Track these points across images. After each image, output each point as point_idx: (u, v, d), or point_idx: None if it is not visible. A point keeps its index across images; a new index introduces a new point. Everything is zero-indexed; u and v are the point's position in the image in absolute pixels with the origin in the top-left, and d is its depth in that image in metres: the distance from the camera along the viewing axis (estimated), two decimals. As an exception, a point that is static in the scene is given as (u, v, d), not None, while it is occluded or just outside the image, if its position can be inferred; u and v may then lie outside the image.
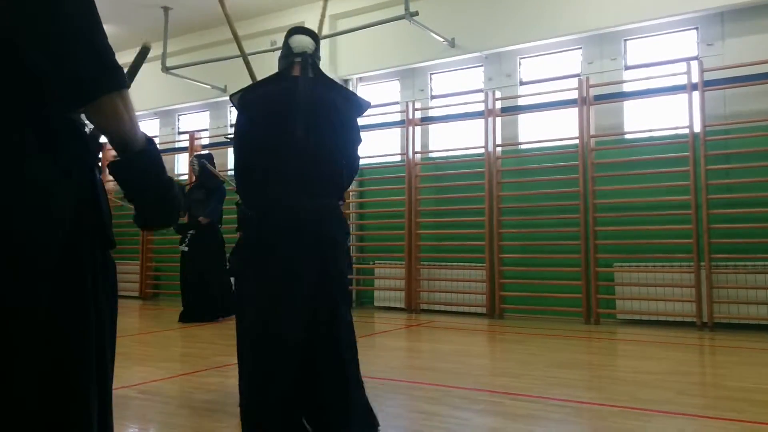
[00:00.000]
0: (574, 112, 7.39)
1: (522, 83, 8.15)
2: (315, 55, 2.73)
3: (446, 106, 8.59)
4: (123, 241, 11.09)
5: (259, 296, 2.51)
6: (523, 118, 8.08)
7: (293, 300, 2.48)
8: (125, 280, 10.68)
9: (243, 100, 2.68)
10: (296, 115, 2.53)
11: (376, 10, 8.50)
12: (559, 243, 7.41)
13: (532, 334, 6.45)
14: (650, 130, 7.12)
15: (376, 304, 8.62)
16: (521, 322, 7.28)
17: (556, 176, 7.46)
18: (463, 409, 3.49)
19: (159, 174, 1.32)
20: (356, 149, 2.76)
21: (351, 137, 2.71)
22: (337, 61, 9.06)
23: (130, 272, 10.78)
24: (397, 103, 8.94)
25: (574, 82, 7.45)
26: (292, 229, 2.50)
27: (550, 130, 7.78)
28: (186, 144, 10.65)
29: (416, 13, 7.38)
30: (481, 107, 8.01)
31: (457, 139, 8.44)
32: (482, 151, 7.94)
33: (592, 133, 7.27)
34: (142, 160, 1.29)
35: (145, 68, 7.92)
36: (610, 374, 4.57)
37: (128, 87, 1.26)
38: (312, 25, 9.08)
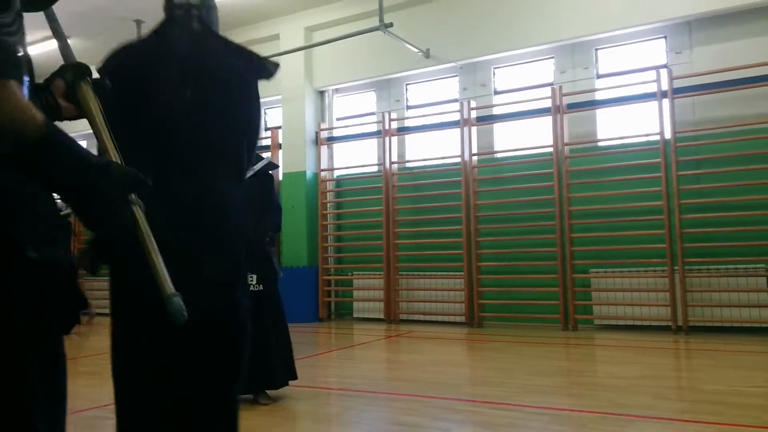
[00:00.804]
0: (548, 120, 7.47)
1: (496, 92, 8.22)
2: (205, 6, 2.13)
3: (422, 116, 8.63)
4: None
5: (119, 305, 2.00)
6: (498, 127, 8.15)
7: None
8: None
9: (108, 64, 2.05)
10: (170, 69, 1.97)
11: (351, 21, 8.52)
12: (535, 250, 7.46)
13: (511, 341, 6.48)
14: (622, 138, 7.22)
15: (355, 315, 8.60)
16: (500, 330, 7.31)
17: (532, 184, 7.53)
18: (444, 420, 3.48)
19: (74, 164, 1.12)
20: (258, 121, 2.17)
21: (251, 103, 2.10)
22: (312, 73, 9.07)
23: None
24: (373, 113, 8.96)
25: (547, 91, 7.54)
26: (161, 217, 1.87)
27: (525, 138, 7.86)
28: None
29: (391, 25, 7.43)
30: (456, 117, 8.07)
31: (434, 149, 8.48)
32: (458, 160, 7.99)
33: (566, 141, 7.35)
34: (43, 151, 1.09)
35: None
36: (588, 380, 4.60)
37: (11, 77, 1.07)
38: (290, 38, 9.16)
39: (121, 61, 2.03)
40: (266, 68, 2.14)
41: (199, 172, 1.95)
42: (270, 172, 4.56)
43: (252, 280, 3.95)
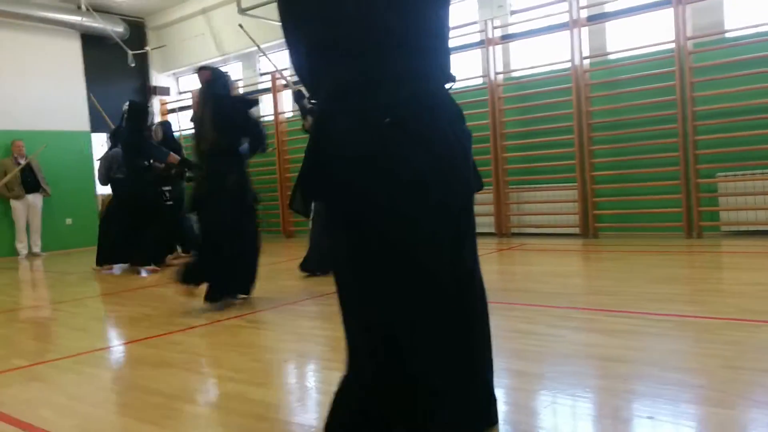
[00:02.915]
0: (668, 13, 6.85)
1: (608, -13, 7.60)
2: None
3: (527, 21, 8.17)
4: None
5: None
6: (611, 26, 7.59)
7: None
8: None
9: None
10: None
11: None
12: (655, 156, 7.03)
13: (629, 251, 6.25)
14: (756, 26, 6.50)
15: (466, 230, 8.58)
16: (617, 240, 7.06)
17: (650, 85, 7.02)
18: (560, 327, 3.45)
19: None
20: (448, 5, 1.73)
21: None
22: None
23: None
24: (475, 23, 8.60)
25: (667, -19, 6.88)
26: (371, 136, 1.58)
27: (643, 36, 7.28)
28: (269, 84, 10.78)
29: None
30: (565, 18, 7.58)
31: (541, 56, 8.06)
32: (569, 65, 7.57)
33: (689, 34, 6.74)
34: None
35: (221, 12, 8.10)
36: (714, 287, 4.37)
37: None
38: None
39: None
40: None
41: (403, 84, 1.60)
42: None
43: None
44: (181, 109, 12.51)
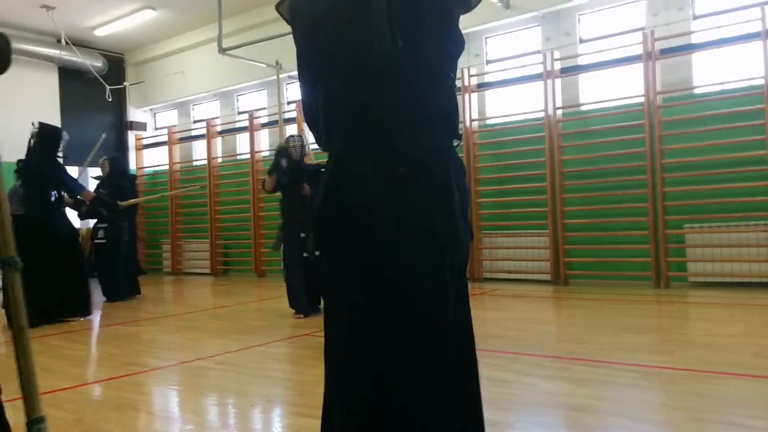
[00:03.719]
0: (638, 68, 7.09)
1: (582, 41, 7.86)
2: None
3: (503, 70, 8.38)
4: (193, 221, 11.49)
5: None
6: (584, 78, 7.81)
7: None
8: (197, 258, 11.18)
9: (292, 4, 1.77)
10: (375, 11, 1.57)
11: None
12: (625, 206, 7.17)
13: (598, 299, 6.31)
14: (722, 83, 6.74)
15: (439, 274, 8.59)
16: (587, 287, 7.13)
17: (621, 137, 7.20)
18: (531, 375, 3.45)
19: None
20: (457, 62, 1.75)
21: (457, 41, 1.70)
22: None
23: (201, 250, 11.19)
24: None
25: (638, 36, 7.14)
26: (384, 184, 1.59)
27: (613, 89, 7.50)
28: (246, 123, 10.82)
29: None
30: (539, 69, 7.79)
31: (515, 104, 8.25)
32: (542, 114, 7.74)
33: (658, 89, 6.96)
34: None
35: (203, 51, 8.19)
36: (681, 338, 4.43)
37: None
38: None
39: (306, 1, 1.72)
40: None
41: (412, 126, 1.62)
42: None
43: None
44: (156, 144, 12.47)
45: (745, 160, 6.44)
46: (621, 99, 7.34)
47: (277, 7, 1.79)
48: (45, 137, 6.25)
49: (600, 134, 7.44)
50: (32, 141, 6.30)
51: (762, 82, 6.31)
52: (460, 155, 1.80)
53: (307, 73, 1.74)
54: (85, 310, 6.25)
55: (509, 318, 5.53)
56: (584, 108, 7.75)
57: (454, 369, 1.66)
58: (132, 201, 7.86)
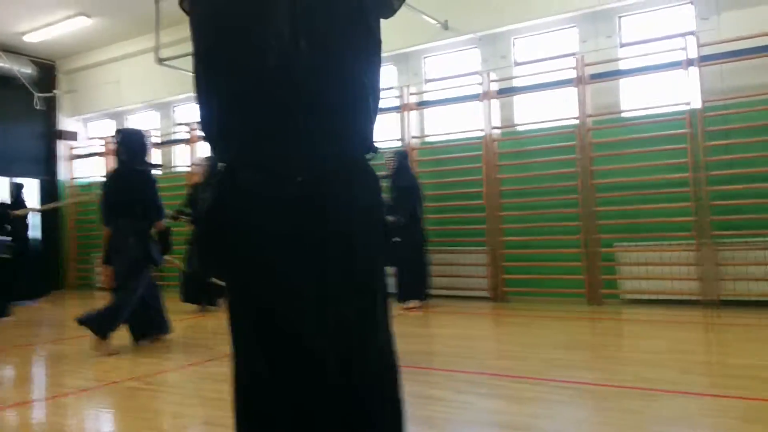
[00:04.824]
0: (571, 91, 7.34)
1: (517, 64, 8.09)
2: None
3: (442, 89, 8.52)
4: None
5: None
6: (519, 100, 8.03)
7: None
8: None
9: None
10: (278, 7, 1.47)
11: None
12: (559, 224, 7.39)
13: (535, 316, 6.45)
14: (648, 108, 7.06)
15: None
16: (525, 304, 7.28)
17: (555, 157, 7.43)
18: (467, 393, 3.49)
19: None
20: (378, 68, 1.63)
21: (373, 49, 1.59)
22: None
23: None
24: (392, 87, 8.88)
25: (570, 61, 7.40)
26: (279, 202, 1.49)
27: (548, 110, 7.74)
28: (185, 136, 10.60)
29: (409, -3, 7.30)
30: (477, 90, 7.96)
31: (454, 123, 8.40)
32: (480, 134, 7.91)
33: (589, 112, 7.23)
34: None
35: (139, 61, 7.94)
36: (613, 354, 4.57)
37: None
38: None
39: None
40: (391, 3, 1.66)
41: (316, 137, 1.49)
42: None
43: None
44: (91, 155, 12.05)
45: (670, 182, 6.74)
46: (554, 120, 7.58)
47: (180, 4, 1.62)
48: None
49: (534, 154, 7.65)
50: None
51: (685, 107, 6.64)
52: (378, 171, 1.69)
53: (201, 75, 1.57)
54: None
55: (447, 335, 5.59)
56: (520, 128, 7.96)
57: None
58: (24, 210, 7.66)
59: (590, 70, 7.28)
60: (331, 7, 1.50)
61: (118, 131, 5.47)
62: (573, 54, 7.54)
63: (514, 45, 8.09)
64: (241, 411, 1.56)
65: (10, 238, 7.10)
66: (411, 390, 3.62)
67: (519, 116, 8.04)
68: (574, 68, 7.27)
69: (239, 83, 1.49)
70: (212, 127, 1.57)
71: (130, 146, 5.26)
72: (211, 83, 1.55)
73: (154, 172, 5.47)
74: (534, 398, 3.33)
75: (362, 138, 1.58)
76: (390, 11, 1.66)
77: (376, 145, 1.62)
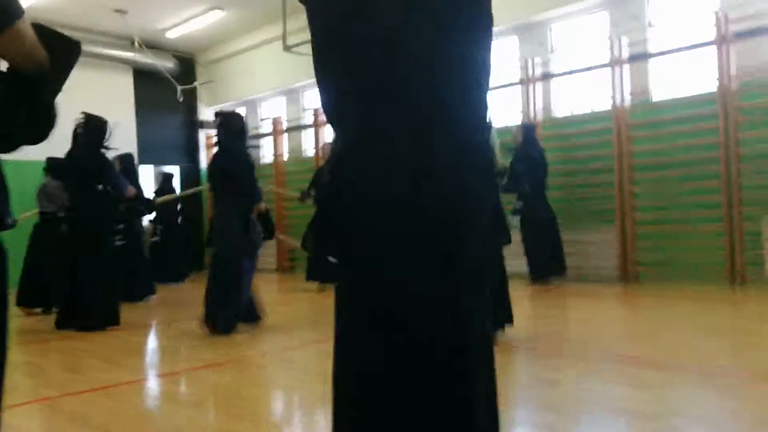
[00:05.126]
0: (712, 52, 6.74)
1: (651, 26, 7.52)
2: None
3: (569, 59, 8.13)
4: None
5: None
6: (654, 65, 7.49)
7: None
8: (263, 255, 11.41)
9: None
10: None
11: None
12: (698, 198, 6.85)
13: (669, 297, 6.07)
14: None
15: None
16: (658, 285, 6.86)
17: (693, 125, 6.88)
18: (592, 378, 3.36)
19: None
20: (489, 43, 1.59)
21: (483, 24, 1.57)
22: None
23: (266, 246, 11.43)
24: (515, 60, 8.58)
25: (710, 19, 6.77)
26: (390, 195, 1.50)
27: (684, 76, 7.16)
28: (311, 120, 10.97)
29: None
30: (606, 57, 7.52)
31: (581, 95, 8.00)
32: (610, 105, 7.49)
33: (733, 74, 6.60)
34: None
35: (268, 49, 8.17)
36: (756, 341, 4.18)
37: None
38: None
39: None
40: None
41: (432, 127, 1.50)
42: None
43: None
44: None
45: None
46: (692, 86, 7.00)
47: None
48: (91, 128, 5.95)
49: (670, 123, 7.13)
50: (77, 135, 6.02)
51: None
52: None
53: (320, 62, 1.62)
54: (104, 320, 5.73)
55: (574, 317, 5.40)
56: (654, 98, 7.43)
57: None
58: (168, 197, 8.13)
59: (735, 28, 6.62)
60: None
61: (217, 114, 5.44)
62: (714, 12, 6.89)
63: (648, 4, 7.52)
64: (345, 397, 1.58)
65: (158, 225, 7.60)
66: (534, 373, 3.56)
67: (653, 83, 7.50)
68: (715, 26, 6.65)
69: (349, 70, 1.53)
70: (330, 113, 1.63)
71: (228, 129, 5.22)
72: (327, 72, 1.60)
73: (254, 154, 5.39)
74: (662, 385, 3.13)
75: (475, 117, 1.57)
76: None
77: (489, 122, 1.59)
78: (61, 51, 1.35)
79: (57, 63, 1.33)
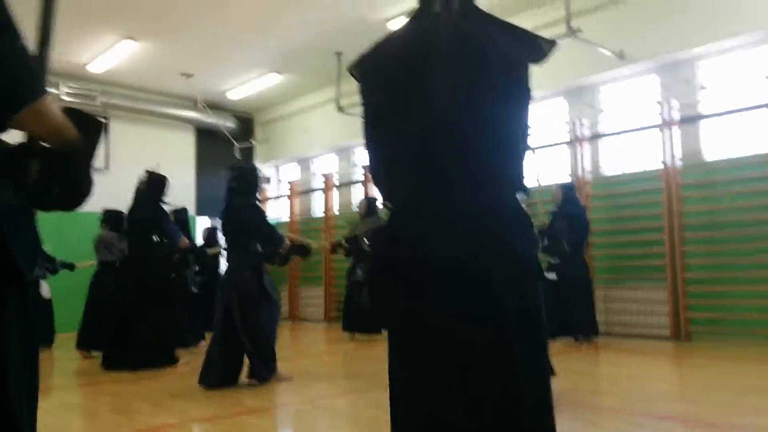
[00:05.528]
0: (764, 114, 6.69)
1: (703, 88, 7.53)
2: None
3: (618, 120, 8.18)
4: (308, 269, 11.93)
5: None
6: (706, 127, 7.46)
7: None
8: (311, 305, 11.57)
9: (363, 65, 1.86)
10: (436, 68, 1.65)
11: (538, 30, 8.36)
12: (753, 259, 6.68)
13: (721, 357, 5.87)
14: None
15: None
16: (710, 344, 6.64)
17: (748, 186, 6.79)
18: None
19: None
20: (527, 114, 1.73)
21: (522, 96, 1.71)
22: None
23: (315, 296, 11.60)
24: (563, 123, 8.68)
25: (762, 82, 6.76)
26: (442, 238, 1.63)
27: (739, 137, 7.11)
28: (362, 177, 11.25)
29: (579, 30, 7.18)
30: (656, 119, 7.55)
31: (630, 156, 8.01)
32: (658, 165, 7.47)
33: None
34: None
35: (322, 110, 8.53)
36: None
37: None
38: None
39: (376, 60, 1.83)
40: (541, 48, 1.76)
41: (471, 181, 1.66)
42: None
43: None
44: (278, 197, 13.23)
45: None
46: (746, 147, 6.94)
47: (349, 69, 1.90)
48: (152, 184, 6.51)
49: (724, 184, 7.05)
50: (140, 188, 6.54)
51: None
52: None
53: (371, 129, 1.80)
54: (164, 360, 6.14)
55: (618, 374, 5.28)
56: (706, 158, 7.38)
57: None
58: (216, 249, 8.43)
59: (787, 92, 6.59)
60: (484, 62, 1.66)
61: (232, 168, 5.59)
62: (765, 76, 6.87)
63: (698, 69, 7.55)
64: None
65: (197, 277, 7.84)
66: (572, 428, 3.50)
67: (705, 145, 7.45)
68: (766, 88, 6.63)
69: (407, 138, 1.70)
70: (379, 174, 1.82)
71: (243, 181, 5.34)
72: (379, 137, 1.78)
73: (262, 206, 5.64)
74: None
75: (513, 182, 1.72)
76: (541, 56, 1.76)
77: (526, 185, 1.75)
78: (90, 129, 1.47)
79: (87, 140, 1.46)
